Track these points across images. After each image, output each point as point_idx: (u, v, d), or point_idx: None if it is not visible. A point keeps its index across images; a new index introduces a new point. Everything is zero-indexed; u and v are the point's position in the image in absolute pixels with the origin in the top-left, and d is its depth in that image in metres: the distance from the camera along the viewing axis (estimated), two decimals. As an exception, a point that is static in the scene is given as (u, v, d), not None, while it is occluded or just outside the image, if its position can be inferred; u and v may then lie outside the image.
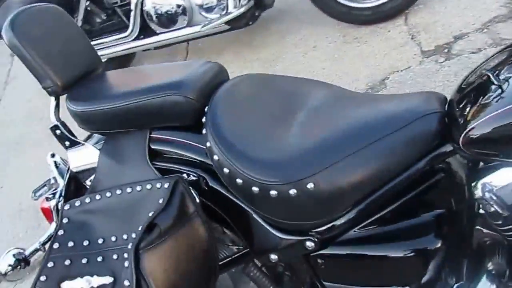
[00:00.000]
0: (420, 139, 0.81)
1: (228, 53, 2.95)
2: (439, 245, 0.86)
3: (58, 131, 1.07)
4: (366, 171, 0.81)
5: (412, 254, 0.87)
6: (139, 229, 0.83)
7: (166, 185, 0.89)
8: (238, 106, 0.95)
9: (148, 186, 0.92)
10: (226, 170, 0.86)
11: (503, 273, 0.83)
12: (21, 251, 1.12)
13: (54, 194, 1.13)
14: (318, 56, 2.60)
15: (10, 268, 1.09)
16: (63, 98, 1.09)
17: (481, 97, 0.77)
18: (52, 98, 1.08)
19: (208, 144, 0.90)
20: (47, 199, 1.15)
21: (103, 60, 1.30)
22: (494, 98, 0.75)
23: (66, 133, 1.07)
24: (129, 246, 0.83)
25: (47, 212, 1.13)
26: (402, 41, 2.43)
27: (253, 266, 1.00)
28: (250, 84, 1.02)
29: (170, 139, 1.00)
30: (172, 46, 2.88)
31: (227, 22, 2.60)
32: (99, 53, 1.24)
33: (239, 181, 0.85)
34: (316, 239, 0.87)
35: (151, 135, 1.01)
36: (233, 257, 1.04)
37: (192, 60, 1.13)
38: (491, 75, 0.77)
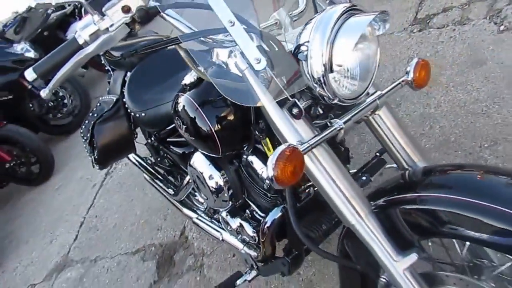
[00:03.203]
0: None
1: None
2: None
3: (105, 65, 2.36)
4: (163, 116, 1.82)
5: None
6: (97, 114, 2.08)
7: (114, 98, 2.09)
8: (146, 71, 2.03)
9: (112, 97, 2.14)
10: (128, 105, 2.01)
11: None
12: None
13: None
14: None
15: None
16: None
17: None
18: None
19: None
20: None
21: None
22: None
23: (106, 65, 2.35)
24: (93, 120, 2.09)
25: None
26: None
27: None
28: (159, 59, 2.06)
29: (131, 78, 2.17)
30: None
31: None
32: None
33: (128, 108, 1.99)
34: (154, 138, 1.97)
35: (126, 75, 2.20)
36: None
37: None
38: None
